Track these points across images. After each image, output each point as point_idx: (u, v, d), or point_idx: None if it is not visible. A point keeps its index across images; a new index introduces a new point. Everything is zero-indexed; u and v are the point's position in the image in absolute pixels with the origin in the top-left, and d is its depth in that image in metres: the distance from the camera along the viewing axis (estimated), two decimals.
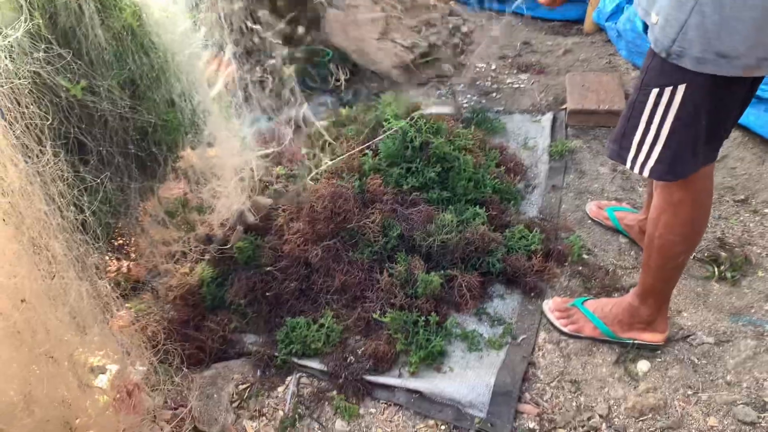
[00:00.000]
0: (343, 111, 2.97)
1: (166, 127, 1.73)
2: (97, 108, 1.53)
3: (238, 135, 2.28)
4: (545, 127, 3.02)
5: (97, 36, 1.56)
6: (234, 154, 2.20)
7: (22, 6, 1.48)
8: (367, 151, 2.53)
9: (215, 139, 2.00)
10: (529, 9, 3.99)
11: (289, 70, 3.36)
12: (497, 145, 2.82)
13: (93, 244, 1.54)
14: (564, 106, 3.13)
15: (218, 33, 3.26)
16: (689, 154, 1.52)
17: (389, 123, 2.49)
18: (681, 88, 1.43)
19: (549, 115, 3.10)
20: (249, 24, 3.07)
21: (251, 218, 2.26)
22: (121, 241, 1.88)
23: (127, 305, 2.06)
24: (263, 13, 3.09)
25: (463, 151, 2.58)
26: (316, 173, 2.51)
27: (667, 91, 1.45)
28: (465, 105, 3.26)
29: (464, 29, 3.34)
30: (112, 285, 1.81)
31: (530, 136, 2.99)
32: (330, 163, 2.47)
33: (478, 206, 2.43)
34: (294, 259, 2.25)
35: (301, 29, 3.31)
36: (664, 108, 1.47)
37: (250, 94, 3.37)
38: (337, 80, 3.37)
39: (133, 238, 1.94)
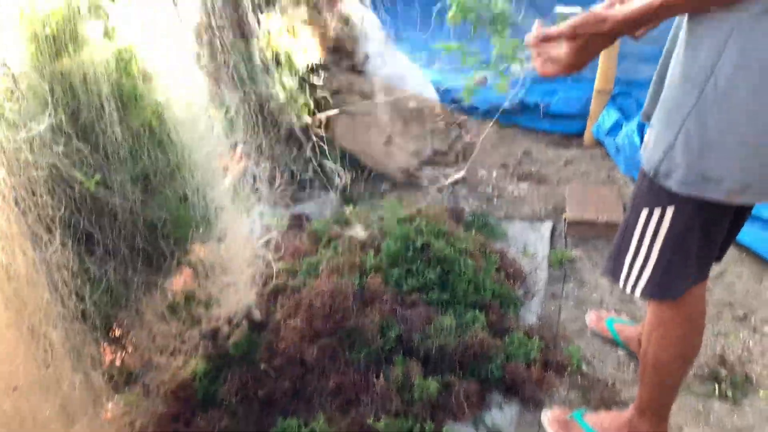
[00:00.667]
0: (348, 209, 3.03)
1: (176, 223, 1.77)
2: (109, 201, 1.57)
3: (246, 229, 2.32)
4: (545, 235, 3.07)
5: (115, 132, 1.62)
6: (243, 248, 2.23)
7: (47, 102, 1.56)
8: (368, 249, 2.56)
9: (225, 234, 2.03)
10: (530, 121, 4.15)
11: (299, 167, 3.46)
12: (498, 250, 2.86)
13: (91, 335, 1.54)
14: (564, 216, 3.19)
15: (235, 130, 3.40)
16: (678, 275, 1.54)
17: (392, 226, 2.54)
18: (669, 210, 1.47)
19: (548, 224, 3.15)
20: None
21: (257, 315, 2.26)
22: (119, 333, 1.87)
23: (117, 397, 2.02)
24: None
25: (464, 254, 2.61)
26: (317, 270, 2.53)
27: (656, 212, 1.49)
28: (467, 210, 3.32)
29: (467, 138, 3.46)
30: (106, 377, 1.80)
31: (530, 243, 3.04)
32: (331, 260, 2.50)
33: (477, 310, 2.43)
34: (289, 357, 2.23)
35: (316, 130, 3.43)
36: (654, 229, 1.51)
37: (259, 188, 3.46)
38: (344, 180, 3.45)
39: (131, 330, 1.93)
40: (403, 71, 4.02)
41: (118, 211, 1.61)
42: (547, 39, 1.39)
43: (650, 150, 1.48)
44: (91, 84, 1.59)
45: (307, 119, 3.11)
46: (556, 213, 3.28)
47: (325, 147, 3.43)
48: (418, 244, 2.49)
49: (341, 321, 2.28)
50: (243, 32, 2.66)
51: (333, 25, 3.56)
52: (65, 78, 1.58)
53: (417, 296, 2.41)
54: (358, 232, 2.37)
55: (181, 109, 1.79)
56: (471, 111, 4.34)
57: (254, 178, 3.34)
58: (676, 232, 1.48)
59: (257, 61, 2.74)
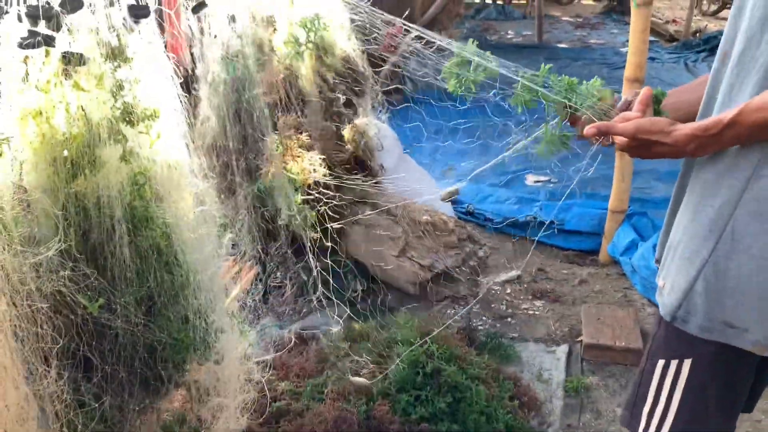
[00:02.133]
0: (357, 326, 2.96)
1: (175, 346, 1.72)
2: (111, 325, 1.53)
3: (246, 347, 2.25)
4: (560, 360, 2.97)
5: (124, 254, 1.61)
6: (240, 370, 2.16)
7: (58, 224, 1.56)
8: (376, 373, 2.47)
9: (223, 356, 1.97)
10: (545, 237, 4.12)
11: (309, 279, 3.43)
12: (511, 375, 2.75)
13: None
14: (579, 339, 3.09)
15: (246, 241, 3.40)
16: (701, 430, 1.45)
17: (401, 347, 2.46)
18: (687, 362, 1.40)
19: (564, 348, 3.05)
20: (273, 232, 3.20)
21: None
22: None
23: None
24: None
25: (476, 380, 2.51)
26: (322, 393, 2.44)
27: (673, 364, 1.42)
28: (480, 328, 3.24)
29: (481, 254, 3.44)
30: None
31: (545, 367, 2.93)
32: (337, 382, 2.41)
33: None
34: None
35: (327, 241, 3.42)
36: (671, 382, 1.43)
37: (266, 299, 3.42)
38: (354, 291, 3.40)
39: None
40: (417, 183, 4.07)
41: (119, 334, 1.57)
42: (606, 133, 1.39)
43: (666, 295, 1.42)
44: (104, 206, 1.59)
45: (315, 232, 3.10)
46: (571, 335, 3.19)
47: (336, 258, 3.40)
48: (429, 369, 2.40)
49: None
50: (249, 152, 2.70)
51: (349, 138, 3.63)
52: (79, 199, 1.59)
53: (426, 426, 2.29)
54: (361, 378, 2.31)
55: (188, 229, 1.78)
56: (485, 224, 4.35)
57: (263, 290, 3.32)
58: (695, 385, 1.40)
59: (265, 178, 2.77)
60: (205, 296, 1.85)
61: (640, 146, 1.36)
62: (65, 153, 1.56)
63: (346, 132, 3.71)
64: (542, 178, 5.17)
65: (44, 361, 1.33)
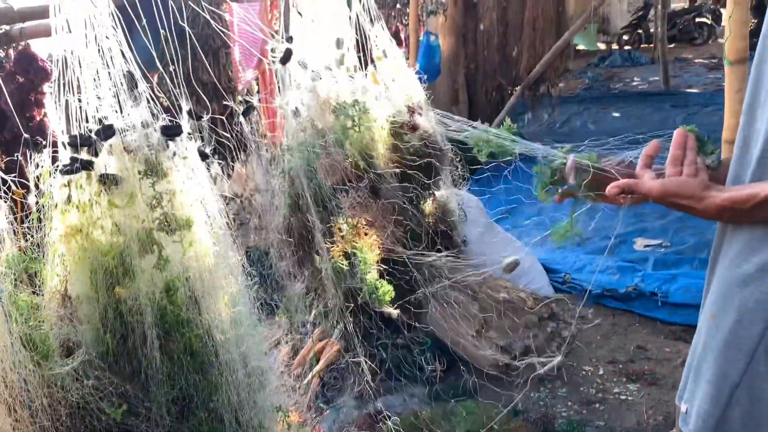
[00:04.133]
0: (424, 413, 2.90)
1: None
2: (138, 429, 1.62)
3: None
4: None
5: (155, 357, 1.70)
6: None
7: (98, 330, 1.69)
8: None
9: None
10: (647, 309, 3.83)
11: (386, 356, 3.41)
12: None
13: None
14: (674, 430, 2.80)
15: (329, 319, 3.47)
16: None
17: None
18: None
19: None
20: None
21: None
22: None
23: None
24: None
25: None
26: None
27: None
28: (563, 414, 3.04)
29: (565, 334, 3.25)
30: None
31: None
32: None
33: None
34: None
35: (405, 317, 3.41)
36: None
37: (341, 378, 3.44)
38: (433, 371, 3.34)
39: None
40: (504, 253, 3.95)
41: None
42: (630, 192, 1.29)
43: (693, 423, 1.27)
44: (137, 314, 1.70)
45: (392, 310, 3.10)
46: (666, 426, 2.90)
47: (417, 336, 3.37)
48: None
49: None
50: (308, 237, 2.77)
51: (429, 211, 3.63)
52: (117, 307, 1.71)
53: None
54: None
55: (222, 330, 1.85)
56: (581, 295, 4.12)
57: (341, 367, 3.34)
58: None
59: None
60: (242, 395, 1.90)
61: (670, 206, 1.25)
62: (105, 264, 1.70)
63: (427, 206, 3.72)
64: (652, 242, 4.84)
65: None
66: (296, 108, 2.83)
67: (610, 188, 1.32)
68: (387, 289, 3.10)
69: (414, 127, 3.16)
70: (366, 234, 3.08)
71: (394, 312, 3.14)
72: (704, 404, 1.25)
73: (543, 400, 3.16)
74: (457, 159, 3.73)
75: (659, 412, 3.00)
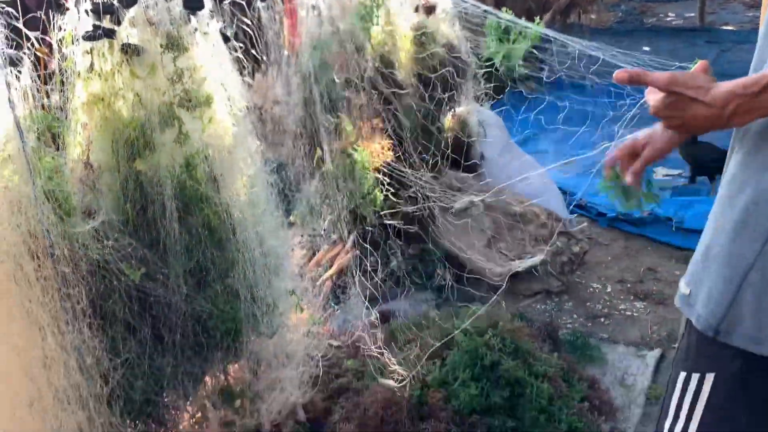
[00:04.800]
0: (431, 313, 2.97)
1: (222, 317, 1.84)
2: (152, 294, 1.69)
3: (310, 324, 2.35)
4: (649, 365, 2.77)
5: (174, 229, 1.75)
6: (301, 345, 2.26)
7: (119, 199, 1.74)
8: (435, 360, 2.47)
9: (278, 330, 2.08)
10: (661, 234, 3.84)
11: (400, 264, 3.48)
12: (587, 377, 2.62)
13: (120, 420, 1.64)
14: (676, 345, 2.86)
15: (340, 225, 3.52)
16: None
17: (463, 337, 2.44)
18: (709, 377, 1.26)
19: (656, 352, 2.85)
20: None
21: (302, 415, 2.26)
22: (167, 416, 1.95)
23: None
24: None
25: (541, 377, 2.43)
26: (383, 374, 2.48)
27: (694, 378, 1.29)
28: (568, 326, 3.11)
29: (576, 249, 3.28)
30: None
31: (630, 372, 2.76)
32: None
33: None
34: None
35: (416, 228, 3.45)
36: (692, 398, 1.30)
37: (353, 281, 3.52)
38: (443, 279, 3.40)
39: (181, 414, 2.01)
40: (522, 174, 3.95)
41: (162, 303, 1.72)
42: (637, 81, 1.26)
43: (702, 306, 1.29)
44: (157, 186, 1.74)
45: (389, 217, 3.12)
46: (669, 341, 2.96)
47: (427, 246, 3.42)
48: (487, 361, 2.36)
49: None
50: (318, 134, 2.78)
51: (448, 126, 3.62)
52: (138, 178, 1.76)
53: (477, 419, 2.27)
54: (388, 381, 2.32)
55: (241, 209, 1.90)
56: (596, 218, 4.13)
57: (352, 272, 3.42)
58: (716, 403, 1.27)
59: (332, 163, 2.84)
60: (257, 273, 1.96)
61: (675, 105, 1.21)
62: (126, 135, 1.73)
63: (446, 120, 3.70)
64: (673, 172, 4.80)
65: (84, 317, 1.50)
66: (315, 4, 2.79)
67: (619, 73, 1.29)
68: (378, 197, 3.12)
69: (429, 9, 3.09)
70: (371, 137, 3.08)
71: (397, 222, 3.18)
72: (717, 285, 1.25)
73: (549, 312, 3.22)
74: (482, 75, 3.69)
75: (664, 328, 3.06)
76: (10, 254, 1.32)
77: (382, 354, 2.49)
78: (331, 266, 3.63)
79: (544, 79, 4.17)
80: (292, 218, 3.64)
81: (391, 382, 2.31)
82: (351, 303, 3.41)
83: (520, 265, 2.46)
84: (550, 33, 3.76)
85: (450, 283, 3.31)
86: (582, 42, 3.44)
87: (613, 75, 1.30)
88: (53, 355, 1.42)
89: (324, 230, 3.54)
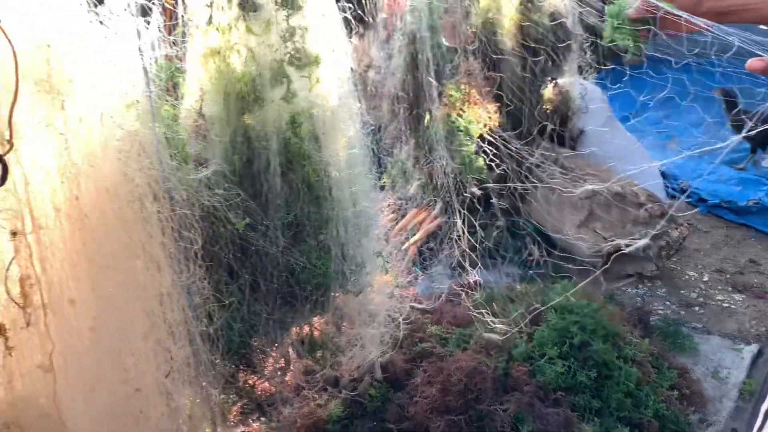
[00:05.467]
0: (519, 286, 2.94)
1: (313, 272, 1.90)
2: (255, 243, 1.76)
3: (393, 287, 2.39)
4: (745, 359, 2.65)
5: (276, 183, 1.81)
6: (385, 306, 2.30)
7: (227, 149, 1.81)
8: (522, 334, 2.46)
9: (364, 289, 2.12)
10: (767, 225, 3.62)
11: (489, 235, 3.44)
12: (678, 366, 2.54)
13: (221, 359, 1.73)
14: None
15: (430, 190, 3.52)
16: None
17: (552, 313, 2.41)
18: None
19: (753, 347, 2.71)
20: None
21: (379, 373, 2.31)
22: (254, 358, 2.04)
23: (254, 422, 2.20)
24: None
25: (630, 362, 2.37)
26: (468, 342, 2.49)
27: None
28: (659, 312, 3.00)
29: (675, 234, 3.14)
30: (235, 398, 1.98)
31: (724, 365, 2.64)
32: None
33: (630, 427, 2.18)
34: (417, 424, 2.23)
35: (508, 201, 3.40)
36: None
37: (440, 248, 3.52)
38: (530, 255, 3.36)
39: (268, 359, 2.10)
40: (623, 152, 3.81)
41: (261, 252, 1.79)
42: None
43: None
44: (263, 140, 1.80)
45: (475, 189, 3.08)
46: None
47: (517, 219, 3.38)
48: (576, 341, 2.32)
49: (475, 401, 2.21)
50: (420, 98, 2.76)
51: (548, 97, 3.52)
52: (246, 132, 1.82)
53: (562, 396, 2.24)
54: (494, 335, 2.30)
55: (339, 168, 1.93)
56: (697, 204, 3.95)
57: (439, 239, 3.42)
58: None
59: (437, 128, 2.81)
60: (349, 232, 2.00)
61: None
62: (237, 88, 1.79)
63: (546, 91, 3.60)
64: None
65: (194, 260, 1.58)
66: None
67: (754, 61, 1.20)
68: (480, 165, 3.08)
69: None
70: (476, 104, 3.03)
71: (477, 191, 3.13)
72: None
73: (640, 296, 3.13)
74: (589, 46, 3.55)
75: (763, 323, 2.90)
76: (135, 194, 1.40)
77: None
78: (418, 231, 3.65)
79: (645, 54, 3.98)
80: (382, 181, 3.68)
81: (495, 336, 2.31)
82: (436, 270, 3.43)
83: (623, 246, 2.37)
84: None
85: (539, 259, 3.26)
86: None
87: (748, 63, 1.21)
88: (169, 291, 1.51)
89: (413, 194, 3.55)
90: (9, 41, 1.09)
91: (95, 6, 1.34)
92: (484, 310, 2.71)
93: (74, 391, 1.46)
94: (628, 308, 2.91)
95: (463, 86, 2.86)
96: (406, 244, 3.47)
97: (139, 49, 1.47)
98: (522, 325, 2.50)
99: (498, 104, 3.10)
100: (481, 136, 2.98)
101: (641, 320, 2.77)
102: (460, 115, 2.84)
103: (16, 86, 1.11)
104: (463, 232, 3.23)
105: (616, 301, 2.94)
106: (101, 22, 1.38)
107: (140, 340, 1.52)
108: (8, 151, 1.19)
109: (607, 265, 2.79)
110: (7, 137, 1.17)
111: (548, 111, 3.50)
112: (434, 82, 2.69)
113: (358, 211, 2.01)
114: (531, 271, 3.27)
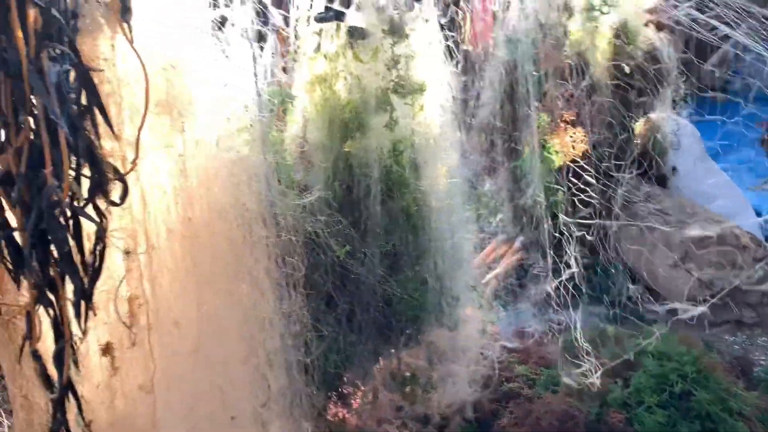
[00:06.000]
0: (610, 328, 2.81)
1: (410, 303, 1.85)
2: (354, 271, 1.72)
3: (485, 323, 2.31)
4: None
5: (377, 211, 1.78)
6: (477, 343, 2.22)
7: (329, 177, 1.80)
8: (616, 379, 2.33)
9: (459, 323, 2.05)
10: None
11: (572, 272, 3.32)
12: None
13: (314, 387, 1.69)
14: None
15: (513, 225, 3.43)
16: None
17: (650, 359, 2.28)
18: None
19: None
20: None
21: (470, 413, 2.22)
22: (345, 390, 2.00)
23: None
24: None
25: (737, 415, 2.20)
26: (557, 384, 2.38)
27: None
28: (761, 363, 2.80)
29: None
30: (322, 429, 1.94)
31: None
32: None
33: None
34: None
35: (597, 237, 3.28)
36: None
37: (524, 285, 3.41)
38: (620, 295, 3.21)
39: (358, 391, 2.06)
40: (717, 191, 3.63)
41: (360, 281, 1.75)
42: None
43: None
44: (366, 167, 1.78)
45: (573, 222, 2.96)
46: None
47: (604, 256, 3.24)
48: (677, 389, 2.18)
49: None
50: (516, 130, 2.70)
51: (639, 132, 3.40)
52: (347, 158, 1.80)
53: None
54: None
55: (438, 198, 1.89)
56: None
57: (522, 273, 3.32)
58: None
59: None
60: (446, 264, 1.94)
61: None
62: (341, 116, 1.78)
63: (638, 125, 3.48)
64: None
65: (293, 287, 1.56)
66: None
67: None
68: (559, 200, 2.98)
69: (660, 26, 2.91)
70: (565, 130, 2.95)
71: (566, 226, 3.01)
72: None
73: (739, 345, 2.93)
74: (683, 79, 3.42)
75: None
76: (245, 218, 1.39)
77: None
78: (499, 264, 3.56)
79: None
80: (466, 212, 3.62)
81: (585, 379, 2.20)
82: (520, 306, 3.32)
83: (722, 290, 2.24)
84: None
85: (628, 300, 3.11)
86: None
87: None
88: (270, 318, 1.49)
89: (496, 227, 3.47)
90: (141, 62, 1.10)
91: (217, 29, 1.36)
92: (572, 352, 2.60)
93: (172, 413, 1.44)
94: (728, 357, 2.73)
95: (555, 118, 2.79)
96: (487, 278, 3.38)
97: (254, 73, 1.47)
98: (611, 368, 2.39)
99: (589, 138, 3.01)
100: (571, 170, 2.89)
101: (743, 371, 2.59)
102: (551, 148, 2.76)
103: (145, 108, 1.12)
104: (549, 269, 3.13)
105: (713, 348, 2.76)
106: (220, 47, 1.39)
107: (239, 366, 1.49)
108: (130, 171, 1.20)
109: (704, 310, 2.66)
110: (133, 157, 1.18)
111: (639, 146, 3.37)
112: (532, 114, 2.62)
113: (456, 242, 1.96)
114: (621, 312, 3.13)
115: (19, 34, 0.95)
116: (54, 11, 0.95)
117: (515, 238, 3.55)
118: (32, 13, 0.96)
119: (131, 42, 1.09)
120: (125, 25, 1.09)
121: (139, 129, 1.13)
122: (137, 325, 1.36)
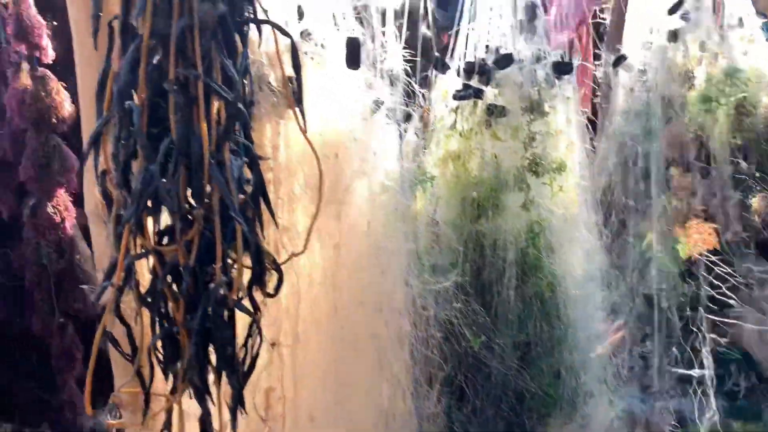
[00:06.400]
0: (735, 424, 2.56)
1: (543, 399, 1.71)
2: (487, 363, 1.60)
3: (612, 417, 2.12)
4: None
5: (510, 296, 1.67)
6: None
7: (457, 258, 1.70)
8: None
9: (590, 421, 1.89)
10: None
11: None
12: None
13: None
14: None
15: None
16: None
17: None
18: None
19: None
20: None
21: None
22: None
23: None
24: None
25: None
26: None
27: None
28: None
29: None
30: None
31: None
32: None
33: None
34: None
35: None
36: None
37: (633, 366, 3.18)
38: (736, 385, 2.95)
39: None
40: None
41: (493, 374, 1.63)
42: None
43: None
44: (499, 248, 1.68)
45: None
46: None
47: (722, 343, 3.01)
48: None
49: None
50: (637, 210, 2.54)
51: (757, 210, 3.19)
52: (479, 238, 1.71)
53: None
54: None
55: (574, 284, 1.76)
56: None
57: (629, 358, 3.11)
58: None
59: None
60: (580, 356, 1.80)
61: None
62: (474, 194, 1.70)
63: (755, 202, 3.27)
64: None
65: (428, 383, 1.45)
66: (641, 69, 2.60)
67: None
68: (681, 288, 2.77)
69: None
70: (691, 221, 2.77)
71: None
72: None
73: None
74: None
75: None
76: (393, 310, 1.30)
77: None
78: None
79: None
80: None
81: None
82: (625, 390, 3.10)
83: None
84: None
85: (750, 390, 2.86)
86: None
87: None
88: (401, 415, 1.38)
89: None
90: (315, 152, 1.04)
91: (372, 114, 1.30)
92: None
93: None
94: None
95: (677, 201, 2.62)
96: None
97: (400, 155, 1.41)
98: None
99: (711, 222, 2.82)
100: (689, 258, 2.71)
101: None
102: (679, 239, 2.59)
103: (319, 198, 1.05)
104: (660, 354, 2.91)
105: None
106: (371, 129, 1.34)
107: None
108: (287, 260, 1.13)
109: None
110: (293, 248, 1.11)
111: (760, 225, 3.15)
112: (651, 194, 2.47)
113: (591, 334, 1.81)
114: (738, 403, 2.88)
115: (204, 126, 0.90)
116: (240, 105, 0.90)
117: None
118: (216, 104, 0.92)
119: (305, 132, 1.03)
120: (299, 113, 1.03)
121: (313, 219, 1.06)
122: (271, 417, 1.29)
